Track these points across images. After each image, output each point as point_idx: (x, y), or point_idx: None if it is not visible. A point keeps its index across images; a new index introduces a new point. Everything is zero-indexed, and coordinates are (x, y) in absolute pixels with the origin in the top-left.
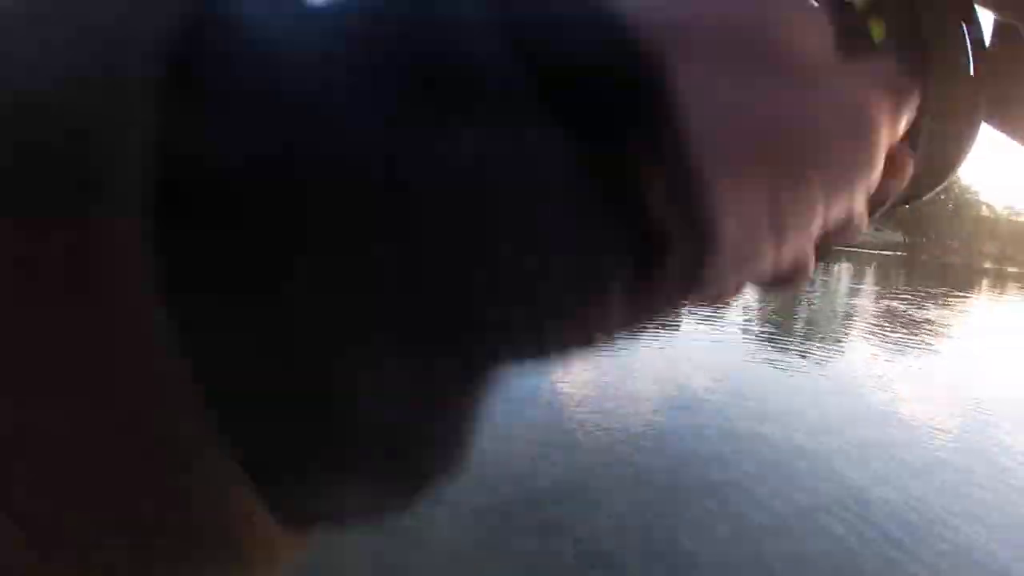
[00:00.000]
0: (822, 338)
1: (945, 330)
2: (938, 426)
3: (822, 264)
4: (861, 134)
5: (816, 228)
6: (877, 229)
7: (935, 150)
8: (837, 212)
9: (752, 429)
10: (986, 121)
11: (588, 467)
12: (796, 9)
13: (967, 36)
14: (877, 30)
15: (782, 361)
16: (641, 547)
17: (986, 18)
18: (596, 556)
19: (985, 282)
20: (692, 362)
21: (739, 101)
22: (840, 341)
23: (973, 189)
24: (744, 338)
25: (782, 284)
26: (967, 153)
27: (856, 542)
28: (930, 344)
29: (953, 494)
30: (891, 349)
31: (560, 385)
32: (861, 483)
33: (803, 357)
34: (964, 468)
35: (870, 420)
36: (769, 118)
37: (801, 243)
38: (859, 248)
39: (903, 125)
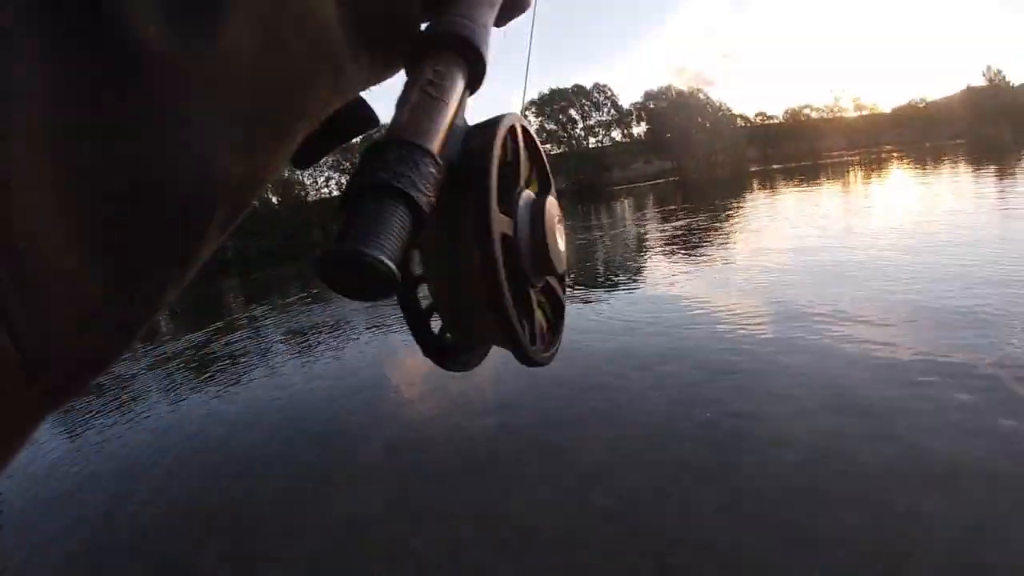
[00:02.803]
0: (623, 270)
1: (727, 229)
2: (742, 309)
3: (604, 205)
4: None
5: None
6: (647, 162)
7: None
8: None
9: (589, 347)
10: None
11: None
12: None
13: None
14: None
15: (592, 298)
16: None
17: None
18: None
19: (755, 182)
20: None
21: None
22: (640, 267)
23: (725, 106)
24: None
25: None
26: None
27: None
28: (719, 241)
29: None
30: (685, 257)
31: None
32: (693, 350)
33: (610, 292)
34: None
35: (684, 315)
36: None
37: None
38: (635, 184)
39: None
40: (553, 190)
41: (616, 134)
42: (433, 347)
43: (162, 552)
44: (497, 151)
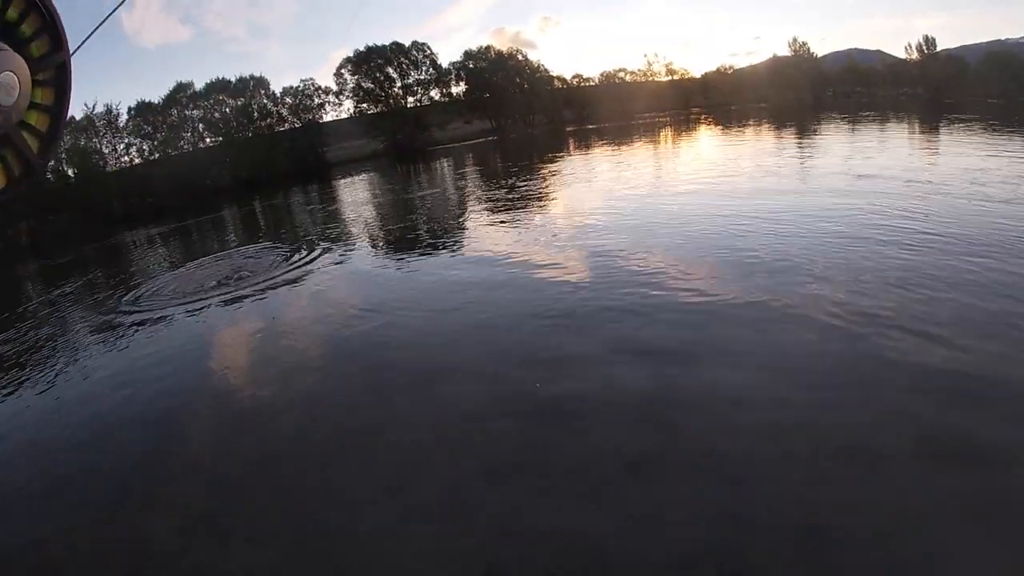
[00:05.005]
0: (448, 226)
1: (543, 188)
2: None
3: (424, 166)
4: None
5: None
6: (466, 122)
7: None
8: None
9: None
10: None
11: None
12: None
13: None
14: None
15: (414, 253)
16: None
17: None
18: None
19: (571, 141)
20: (347, 284)
21: None
22: (464, 223)
23: (543, 68)
24: (384, 251)
25: None
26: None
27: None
28: (535, 199)
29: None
30: (507, 208)
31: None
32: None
33: (440, 248)
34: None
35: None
36: None
37: None
38: (454, 143)
39: None
40: (61, 49)
41: (435, 93)
42: None
43: None
44: None
